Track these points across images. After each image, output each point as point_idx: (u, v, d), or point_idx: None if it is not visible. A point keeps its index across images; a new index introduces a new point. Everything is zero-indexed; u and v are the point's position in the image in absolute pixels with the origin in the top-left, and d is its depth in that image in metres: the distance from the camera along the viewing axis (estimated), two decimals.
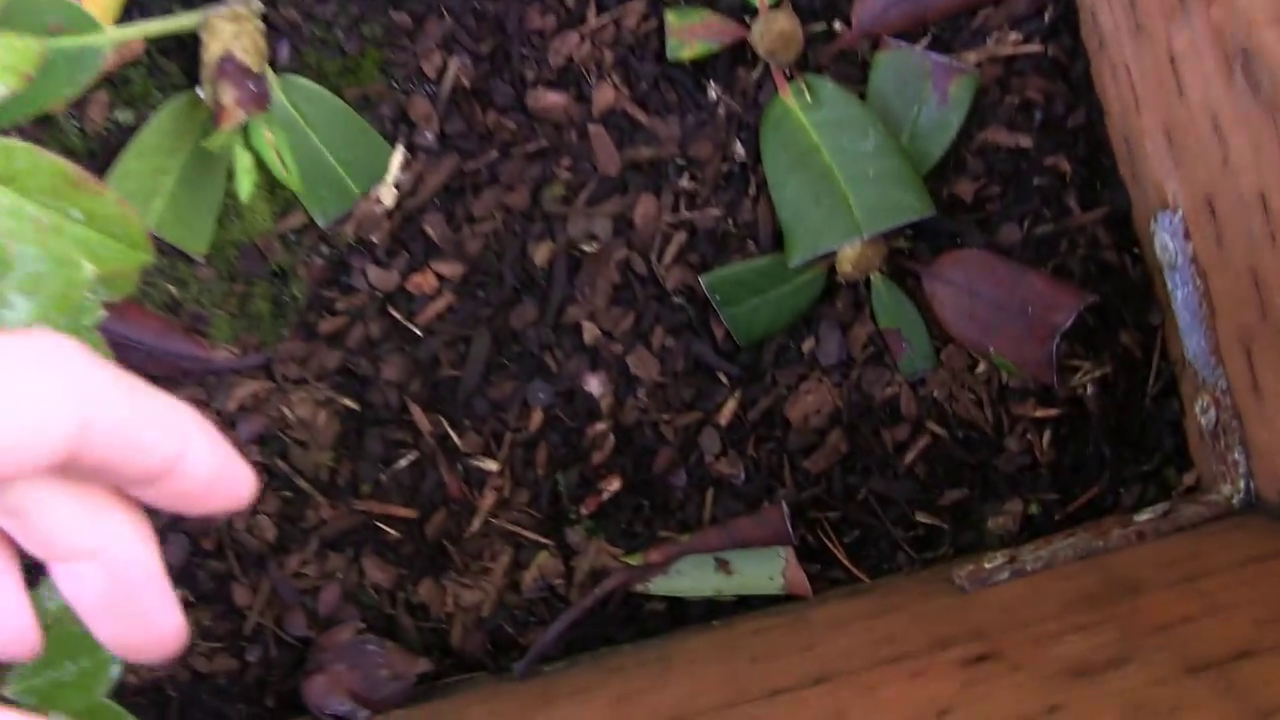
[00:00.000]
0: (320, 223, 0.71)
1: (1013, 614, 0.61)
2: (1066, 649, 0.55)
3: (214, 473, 0.36)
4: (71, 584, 0.36)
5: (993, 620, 0.60)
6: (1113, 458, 0.73)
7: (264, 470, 0.71)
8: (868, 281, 0.73)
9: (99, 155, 0.70)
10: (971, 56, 0.72)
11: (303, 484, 0.72)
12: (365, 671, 0.69)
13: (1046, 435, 0.73)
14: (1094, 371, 0.72)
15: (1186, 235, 0.67)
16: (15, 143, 0.49)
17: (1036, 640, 0.57)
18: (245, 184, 0.66)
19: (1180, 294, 0.69)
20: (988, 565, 0.68)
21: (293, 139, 0.69)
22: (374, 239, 0.71)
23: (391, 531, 0.73)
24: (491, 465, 0.72)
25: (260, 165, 0.67)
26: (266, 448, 0.72)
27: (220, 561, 0.72)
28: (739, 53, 0.72)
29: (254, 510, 0.71)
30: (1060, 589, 0.63)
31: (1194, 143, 0.63)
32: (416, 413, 0.72)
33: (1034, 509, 0.73)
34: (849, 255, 0.71)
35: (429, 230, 0.72)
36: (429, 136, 0.71)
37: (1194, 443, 0.73)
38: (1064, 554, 0.67)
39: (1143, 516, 0.69)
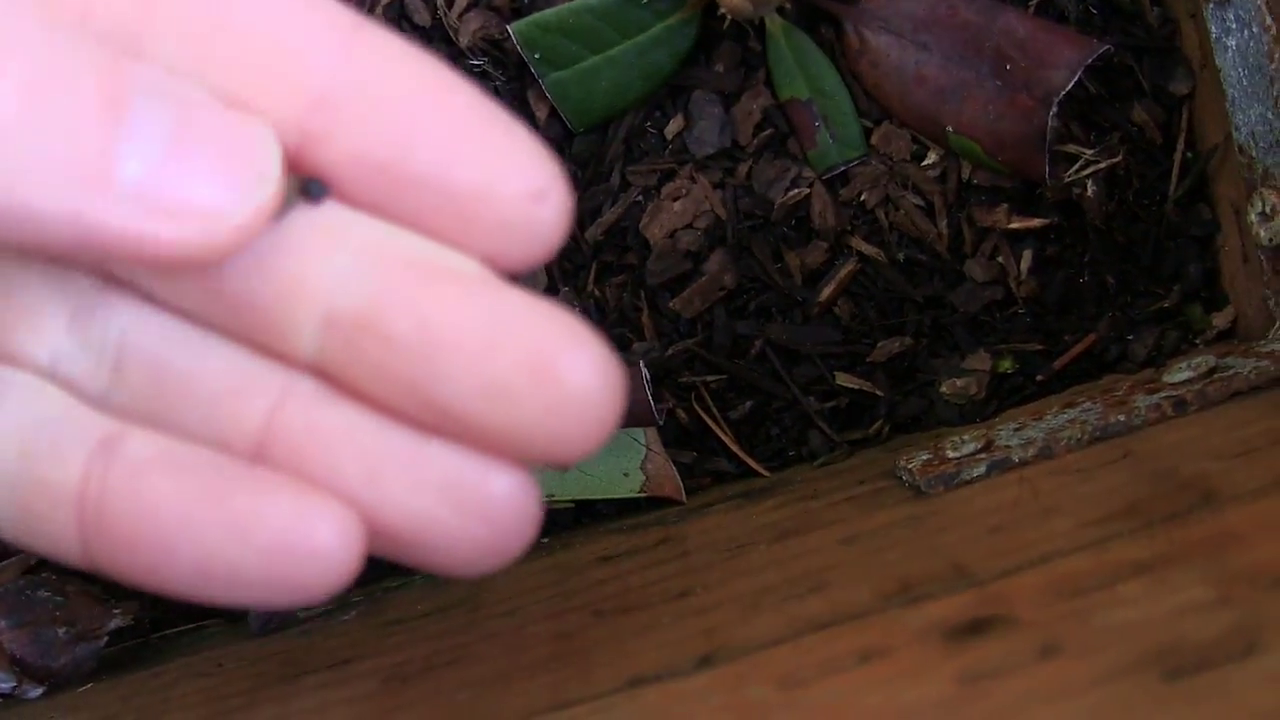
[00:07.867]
0: None
1: (1009, 537, 0.43)
2: (1126, 615, 0.36)
3: None
4: None
5: (980, 550, 0.43)
6: (1119, 289, 0.64)
7: None
8: (762, 27, 0.62)
9: None
10: None
11: None
12: (35, 629, 0.63)
13: (1026, 257, 0.64)
14: (1097, 163, 0.63)
15: None
16: None
17: (1065, 592, 0.38)
18: None
19: (1233, 43, 0.59)
20: (952, 453, 0.53)
21: None
22: None
23: None
24: None
25: None
26: None
27: None
28: None
29: None
30: (1080, 495, 0.46)
31: None
32: None
33: (1007, 365, 0.64)
34: None
35: None
36: None
37: (1231, 268, 0.63)
38: (1067, 435, 0.52)
39: (1179, 376, 0.54)
